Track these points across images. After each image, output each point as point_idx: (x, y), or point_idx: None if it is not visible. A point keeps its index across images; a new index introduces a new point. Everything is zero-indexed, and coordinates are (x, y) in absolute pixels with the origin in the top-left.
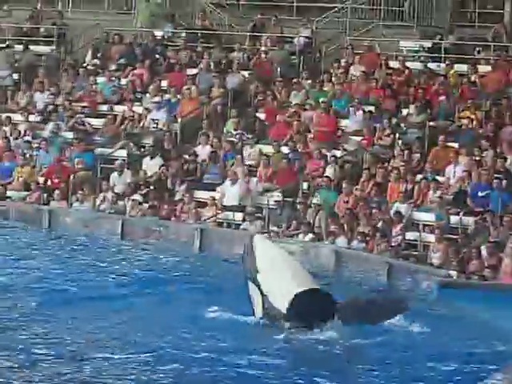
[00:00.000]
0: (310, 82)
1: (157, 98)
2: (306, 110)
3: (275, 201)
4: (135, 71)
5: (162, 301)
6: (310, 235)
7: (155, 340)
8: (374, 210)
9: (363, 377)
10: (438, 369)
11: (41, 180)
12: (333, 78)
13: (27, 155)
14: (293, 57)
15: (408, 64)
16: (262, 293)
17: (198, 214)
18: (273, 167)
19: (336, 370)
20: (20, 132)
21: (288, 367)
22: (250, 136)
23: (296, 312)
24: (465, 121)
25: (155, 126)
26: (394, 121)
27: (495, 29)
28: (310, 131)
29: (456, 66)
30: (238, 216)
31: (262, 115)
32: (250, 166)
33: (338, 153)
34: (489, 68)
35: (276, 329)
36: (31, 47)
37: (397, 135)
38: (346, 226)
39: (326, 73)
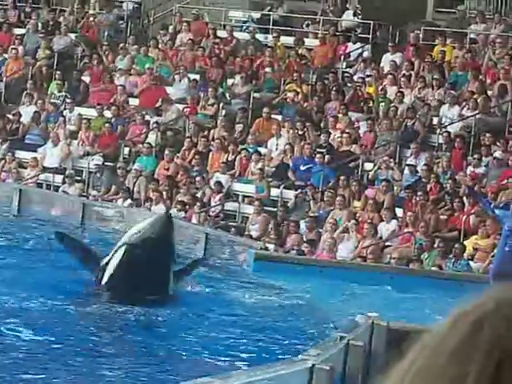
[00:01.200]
0: (136, 47)
1: None
2: (131, 75)
3: (96, 164)
4: None
5: None
6: (129, 201)
7: None
8: (194, 179)
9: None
10: (246, 342)
11: None
12: (159, 45)
13: None
14: (121, 21)
15: (236, 34)
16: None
17: (18, 174)
18: (94, 131)
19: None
20: None
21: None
22: (72, 99)
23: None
24: (290, 94)
25: None
26: (219, 90)
27: (326, 3)
28: (134, 96)
29: (283, 38)
30: (58, 178)
31: (86, 79)
32: (72, 128)
33: (161, 119)
34: (316, 42)
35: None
36: None
37: (221, 105)
38: (165, 193)
39: (152, 39)
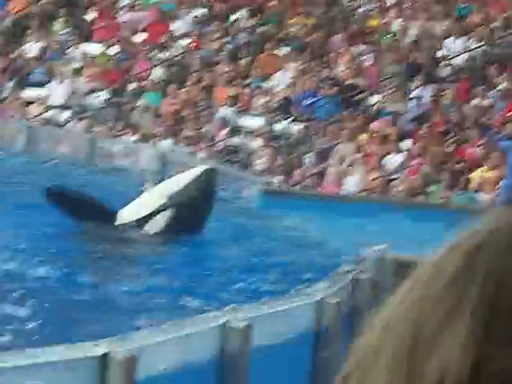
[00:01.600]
0: None
1: None
2: (135, 11)
3: (102, 101)
4: None
5: None
6: (136, 136)
7: None
8: (200, 114)
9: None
10: (256, 278)
11: None
12: None
13: None
14: None
15: None
16: None
17: (24, 112)
18: (99, 67)
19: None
20: None
21: None
22: (77, 36)
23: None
24: (295, 28)
25: None
26: (224, 25)
27: None
28: (138, 32)
29: None
30: (65, 115)
31: (91, 15)
32: (78, 65)
33: (166, 55)
34: None
35: None
36: None
37: (226, 39)
38: (171, 128)
39: None
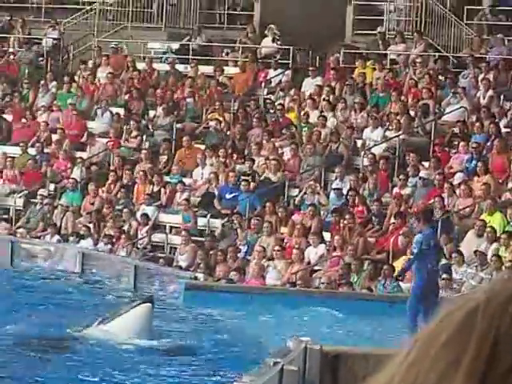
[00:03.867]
0: (55, 83)
1: None
2: (52, 111)
3: (22, 202)
4: None
5: None
6: (57, 236)
7: None
8: (120, 212)
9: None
10: (183, 372)
11: None
12: (80, 80)
13: None
14: (41, 58)
15: (155, 66)
16: None
17: None
18: (19, 168)
19: None
20: None
21: None
22: None
23: None
24: (212, 123)
25: None
26: (142, 123)
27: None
28: (57, 133)
29: (203, 67)
30: None
31: (8, 117)
32: None
33: (85, 154)
34: (236, 69)
35: None
36: None
37: (144, 137)
38: (92, 227)
39: (73, 74)
